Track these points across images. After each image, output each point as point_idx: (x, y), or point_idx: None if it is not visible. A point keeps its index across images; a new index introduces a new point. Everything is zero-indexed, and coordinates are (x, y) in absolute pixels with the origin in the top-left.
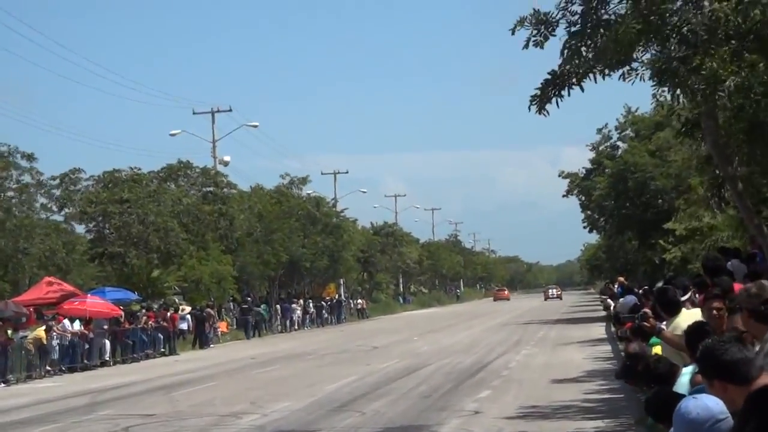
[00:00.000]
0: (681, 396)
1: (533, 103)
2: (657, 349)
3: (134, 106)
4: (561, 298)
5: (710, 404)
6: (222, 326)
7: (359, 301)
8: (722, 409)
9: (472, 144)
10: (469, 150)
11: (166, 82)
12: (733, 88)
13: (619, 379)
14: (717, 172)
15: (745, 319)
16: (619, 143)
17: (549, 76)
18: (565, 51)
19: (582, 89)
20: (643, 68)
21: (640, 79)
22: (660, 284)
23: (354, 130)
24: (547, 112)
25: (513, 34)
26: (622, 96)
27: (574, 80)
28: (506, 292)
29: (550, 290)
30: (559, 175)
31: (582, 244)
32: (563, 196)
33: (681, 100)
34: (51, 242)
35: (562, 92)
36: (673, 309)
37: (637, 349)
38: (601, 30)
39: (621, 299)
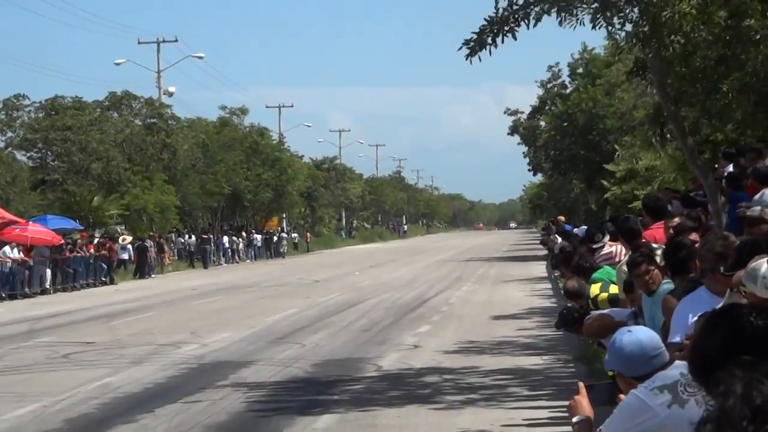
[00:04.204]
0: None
1: (467, 46)
2: (595, 287)
3: (80, 34)
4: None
5: (644, 340)
6: (167, 257)
7: (295, 234)
8: (656, 345)
9: (419, 81)
10: (416, 86)
11: (112, 11)
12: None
13: (559, 329)
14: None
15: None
16: (567, 82)
17: (486, 23)
18: None
19: (515, 38)
20: (583, 12)
21: (580, 23)
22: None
23: (301, 64)
24: (480, 59)
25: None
26: (571, 38)
27: (511, 26)
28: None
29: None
30: (505, 112)
31: (523, 184)
32: (508, 134)
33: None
34: None
35: (497, 39)
36: (633, 237)
37: (576, 286)
38: None
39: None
